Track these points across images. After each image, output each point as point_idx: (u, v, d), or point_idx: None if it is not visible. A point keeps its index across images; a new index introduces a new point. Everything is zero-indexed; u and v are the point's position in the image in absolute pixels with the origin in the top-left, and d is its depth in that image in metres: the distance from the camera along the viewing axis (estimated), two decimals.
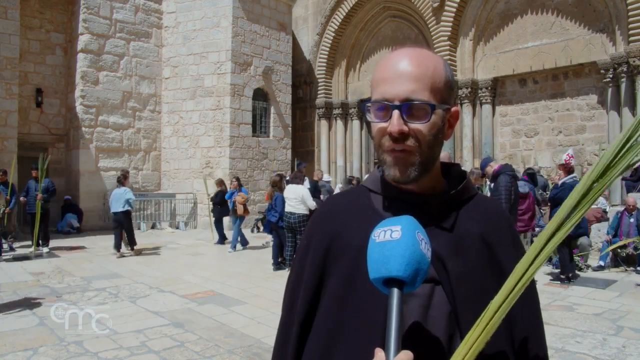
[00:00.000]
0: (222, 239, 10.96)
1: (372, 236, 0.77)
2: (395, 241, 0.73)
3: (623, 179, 9.68)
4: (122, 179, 9.49)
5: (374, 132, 0.91)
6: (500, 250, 0.91)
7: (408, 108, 0.86)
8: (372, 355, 0.70)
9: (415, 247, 0.72)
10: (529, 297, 0.93)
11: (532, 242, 5.59)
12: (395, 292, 0.71)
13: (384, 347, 0.69)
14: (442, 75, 0.90)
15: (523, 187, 6.81)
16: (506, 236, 0.94)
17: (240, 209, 9.96)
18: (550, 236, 0.75)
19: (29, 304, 5.71)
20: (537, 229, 7.55)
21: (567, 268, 6.97)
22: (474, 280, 0.87)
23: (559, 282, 6.91)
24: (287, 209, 7.75)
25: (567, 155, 11.30)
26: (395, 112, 0.85)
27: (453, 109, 0.93)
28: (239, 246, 10.21)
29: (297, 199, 7.63)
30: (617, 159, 0.74)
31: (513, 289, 0.73)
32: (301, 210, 7.63)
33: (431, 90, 0.87)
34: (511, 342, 0.88)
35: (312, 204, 7.66)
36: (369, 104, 0.91)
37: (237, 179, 10.43)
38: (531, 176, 7.55)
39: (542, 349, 0.93)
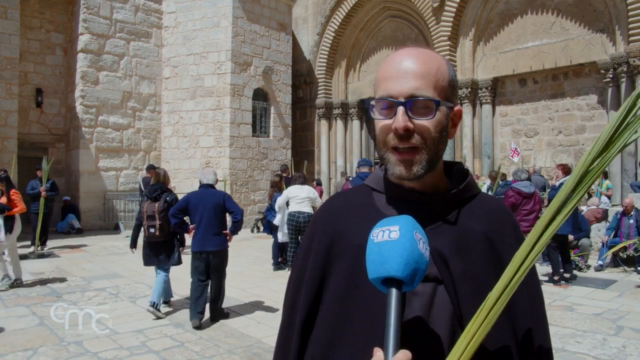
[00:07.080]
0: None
1: (370, 236, 0.77)
2: (393, 241, 0.73)
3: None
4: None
5: (377, 129, 0.91)
6: (504, 248, 0.90)
7: (413, 104, 0.86)
8: (372, 354, 0.70)
9: (413, 247, 0.72)
10: (532, 289, 0.92)
11: None
12: (394, 292, 0.71)
13: (383, 346, 0.69)
14: (445, 74, 0.90)
15: (528, 187, 6.78)
16: (509, 235, 0.94)
17: None
18: (550, 220, 0.74)
19: (29, 304, 5.71)
20: None
21: (557, 270, 6.91)
22: (476, 279, 0.86)
23: (552, 284, 6.84)
24: (295, 208, 7.53)
25: (511, 150, 11.22)
26: (400, 109, 0.85)
27: (456, 108, 0.93)
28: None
29: (307, 198, 7.55)
30: (615, 136, 0.73)
31: (512, 278, 0.73)
32: (309, 209, 7.55)
33: (435, 88, 0.87)
34: (514, 336, 0.87)
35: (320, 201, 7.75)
36: (373, 102, 0.90)
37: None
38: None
39: (546, 341, 0.92)
